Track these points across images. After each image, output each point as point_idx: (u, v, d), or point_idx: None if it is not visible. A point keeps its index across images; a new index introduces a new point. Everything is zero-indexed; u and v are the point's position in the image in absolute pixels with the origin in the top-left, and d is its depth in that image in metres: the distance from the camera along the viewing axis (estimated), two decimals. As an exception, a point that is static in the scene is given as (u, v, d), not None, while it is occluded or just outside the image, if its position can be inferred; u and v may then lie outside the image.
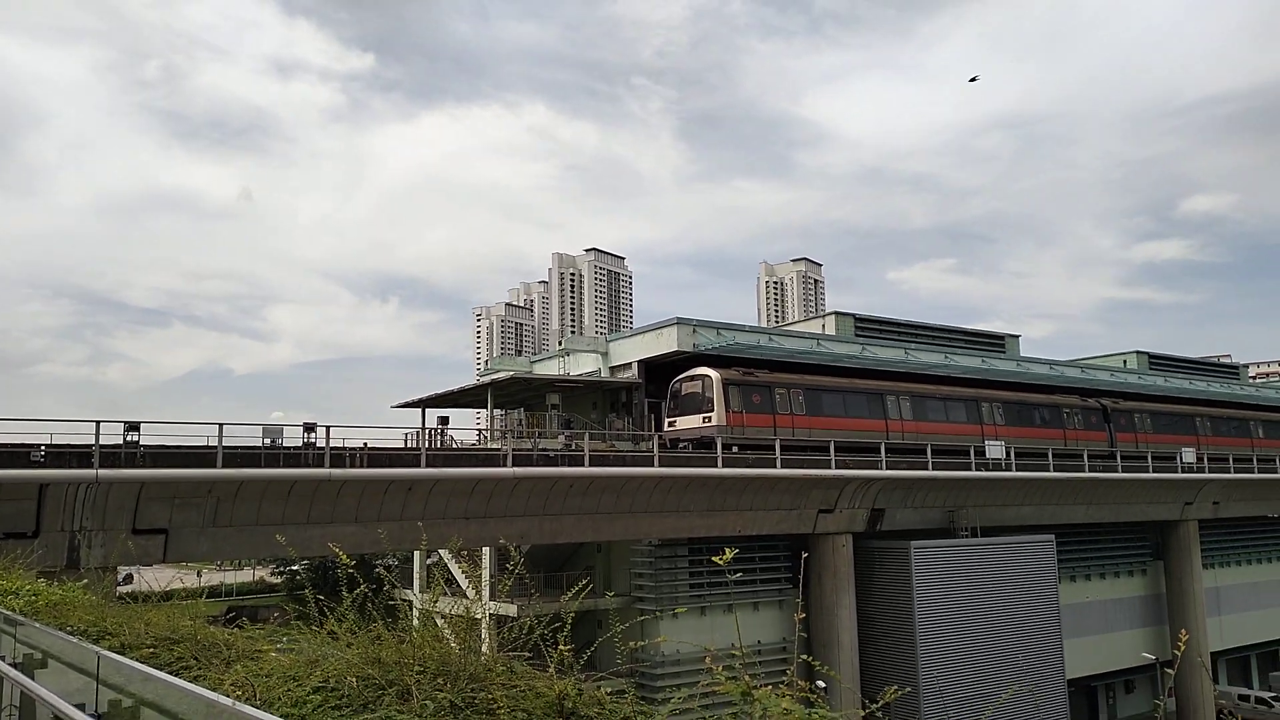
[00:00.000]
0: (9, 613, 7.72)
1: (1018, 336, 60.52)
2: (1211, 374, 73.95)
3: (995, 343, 59.08)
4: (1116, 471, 49.81)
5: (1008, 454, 45.15)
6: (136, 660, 5.23)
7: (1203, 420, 59.45)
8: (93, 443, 25.67)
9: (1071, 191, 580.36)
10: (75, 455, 25.87)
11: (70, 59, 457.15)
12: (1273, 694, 57.06)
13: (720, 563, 4.51)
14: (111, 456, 26.02)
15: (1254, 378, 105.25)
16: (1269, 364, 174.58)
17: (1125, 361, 67.59)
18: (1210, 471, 54.45)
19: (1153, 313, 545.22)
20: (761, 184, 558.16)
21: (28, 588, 10.05)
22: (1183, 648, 5.26)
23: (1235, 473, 55.80)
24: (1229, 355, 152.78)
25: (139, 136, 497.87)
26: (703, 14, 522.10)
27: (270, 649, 5.67)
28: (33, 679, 5.79)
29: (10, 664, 6.29)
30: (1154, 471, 51.26)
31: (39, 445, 25.80)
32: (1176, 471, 52.55)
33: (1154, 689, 54.95)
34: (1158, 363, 68.83)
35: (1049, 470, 46.60)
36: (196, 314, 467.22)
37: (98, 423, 25.94)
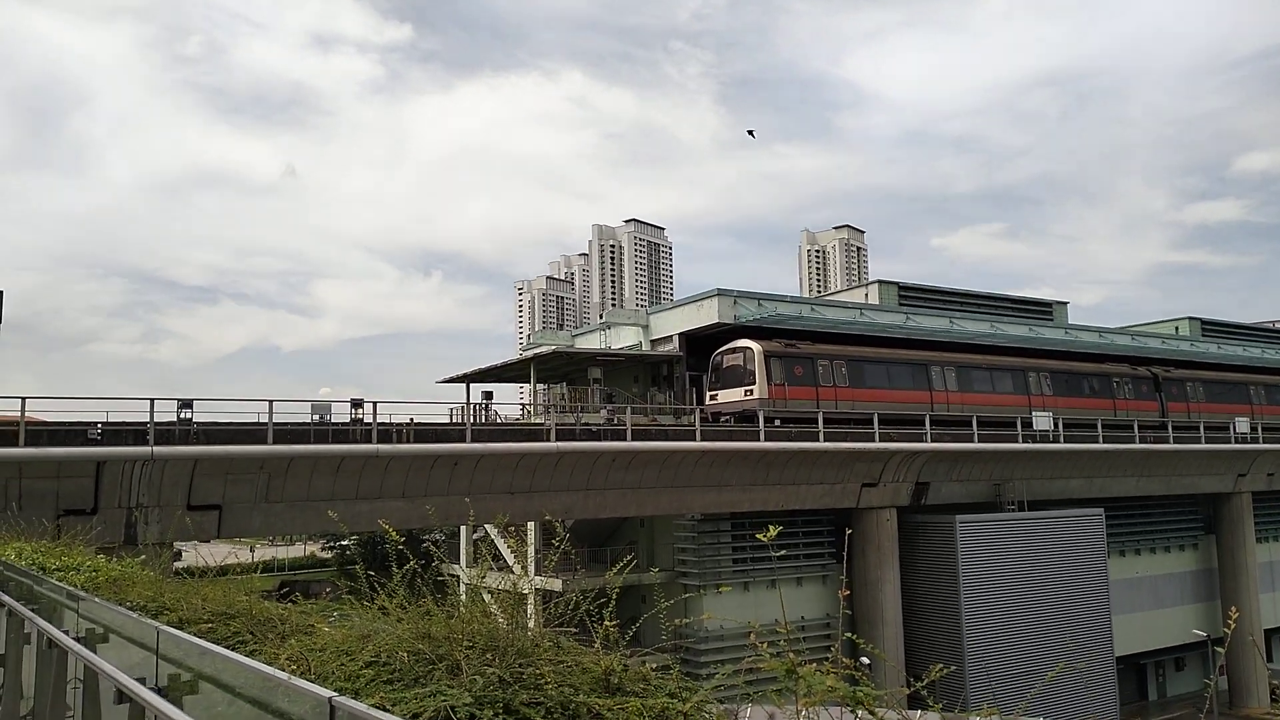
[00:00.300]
0: (71, 588, 7.94)
1: (1066, 304, 59.59)
2: (1267, 340, 72.13)
3: (1043, 310, 58.18)
4: (1168, 442, 48.94)
5: (1056, 425, 44.54)
6: (194, 635, 5.36)
7: (1257, 389, 58.16)
8: (147, 420, 26.29)
9: (1121, 150, 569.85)
10: (131, 433, 26.50)
11: (112, 37, 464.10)
12: (1329, 669, 56.02)
13: (764, 539, 4.52)
14: (166, 434, 26.65)
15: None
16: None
17: (1177, 328, 66.24)
18: (1265, 442, 53.32)
19: (1206, 276, 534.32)
20: (802, 149, 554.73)
21: (88, 564, 10.32)
22: (1232, 625, 5.17)
23: (1291, 443, 54.61)
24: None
25: (182, 113, 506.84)
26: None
27: (323, 624, 5.78)
28: (95, 653, 5.96)
29: (74, 638, 6.48)
30: (1206, 442, 50.31)
31: (95, 423, 26.46)
32: (1230, 442, 51.53)
33: (1205, 667, 54.19)
34: (1211, 329, 67.37)
35: (1098, 442, 45.93)
36: (245, 291, 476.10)
37: (152, 400, 26.61)
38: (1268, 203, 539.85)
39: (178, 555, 34.07)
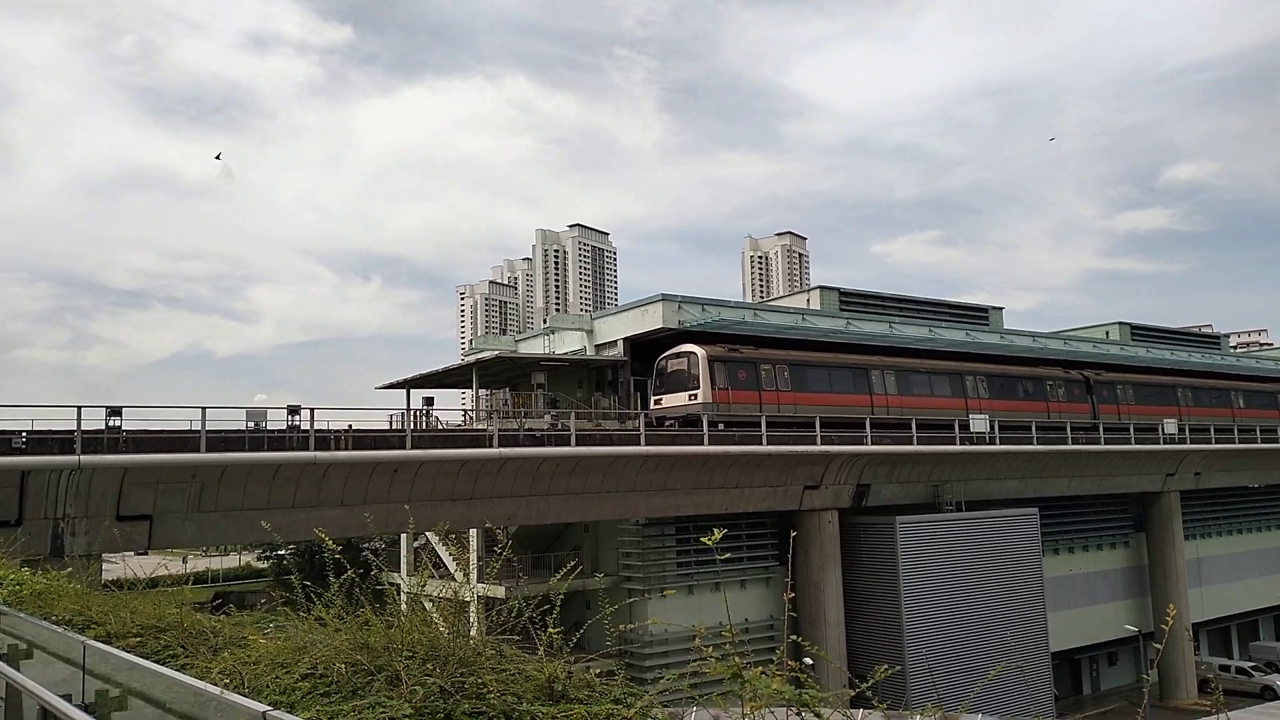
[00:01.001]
0: (-8, 603, 7.66)
1: (1001, 309, 60.77)
2: (1193, 344, 74.49)
3: (979, 316, 59.32)
4: (1099, 443, 50.21)
5: (992, 427, 45.42)
6: (123, 649, 5.20)
7: (1184, 391, 59.95)
8: (75, 428, 25.50)
9: (1055, 160, 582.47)
10: (57, 441, 25.68)
11: (42, 34, 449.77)
12: (1253, 663, 57.95)
13: (709, 543, 4.50)
14: (94, 442, 25.85)
15: (1235, 347, 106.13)
16: (1250, 333, 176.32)
17: (1108, 333, 67.99)
18: (1192, 442, 54.99)
19: (1135, 283, 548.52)
20: (746, 156, 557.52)
21: (11, 577, 9.98)
22: (1170, 623, 5.30)
23: (1216, 443, 56.39)
24: (1210, 325, 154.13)
25: (114, 113, 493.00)
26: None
27: (257, 636, 5.64)
28: (18, 670, 5.75)
29: (-5, 655, 6.24)
30: (1136, 443, 51.71)
31: (20, 432, 25.58)
32: (1158, 443, 53.03)
33: (1137, 660, 55.66)
34: (1140, 334, 69.30)
35: (1033, 443, 46.93)
36: (177, 295, 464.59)
37: (79, 408, 25.76)
38: (1194, 212, 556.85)
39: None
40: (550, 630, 4.92)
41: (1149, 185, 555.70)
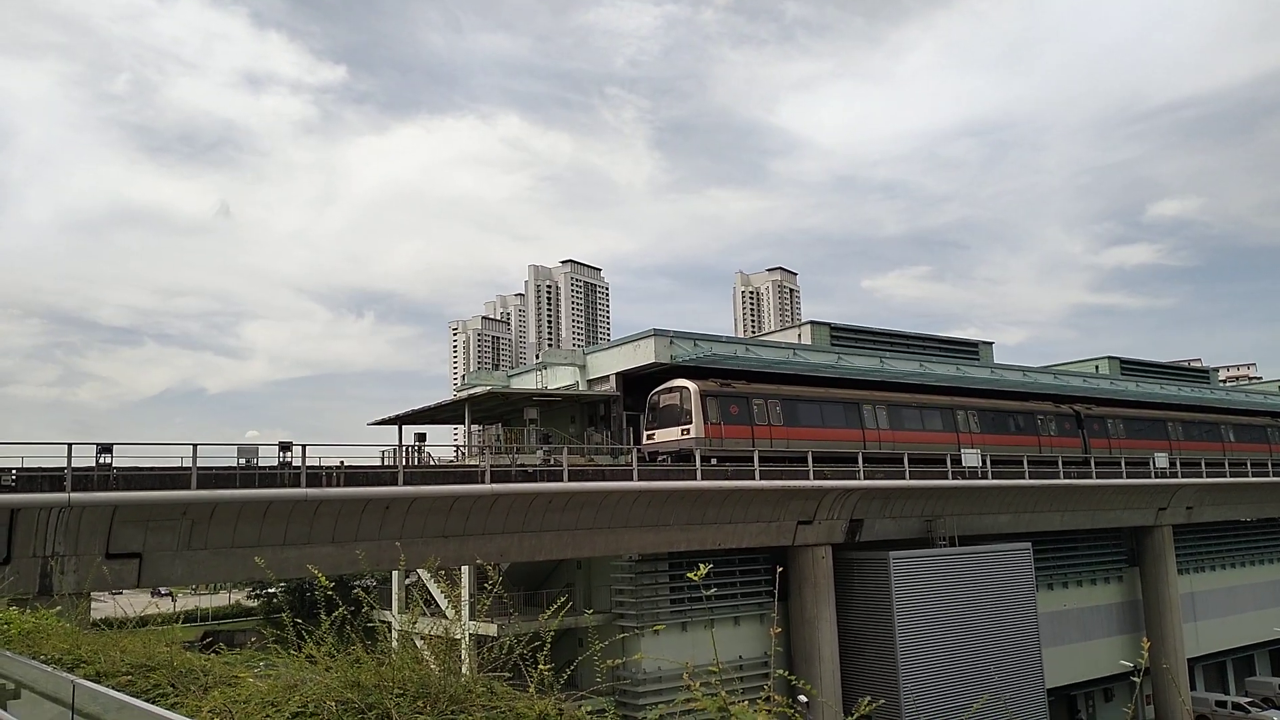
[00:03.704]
0: (-20, 642, 7.62)
1: (991, 344, 61.04)
2: (1182, 379, 74.82)
3: (970, 350, 59.54)
4: (1091, 478, 50.24)
5: (984, 462, 45.45)
6: (112, 688, 5.19)
7: (1174, 425, 60.10)
8: (65, 466, 25.40)
9: (1040, 197, 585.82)
10: (47, 479, 25.56)
11: (35, 73, 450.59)
12: (1249, 699, 57.63)
13: (695, 579, 4.54)
14: (84, 479, 25.75)
15: (1224, 381, 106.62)
16: (1238, 367, 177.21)
17: (1097, 367, 68.25)
18: (1183, 476, 55.05)
19: (1123, 318, 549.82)
20: (735, 193, 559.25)
21: (-1, 616, 9.92)
22: (1145, 657, 5.33)
23: (1207, 477, 56.46)
24: (1199, 359, 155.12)
25: (107, 151, 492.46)
26: (675, 22, 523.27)
27: (247, 674, 5.64)
28: (6, 710, 5.73)
29: (-17, 695, 6.21)
30: (1128, 477, 51.76)
31: (10, 469, 25.51)
32: (1150, 477, 53.07)
33: (1132, 697, 55.33)
34: (1129, 368, 69.60)
35: (1025, 477, 46.95)
36: (169, 332, 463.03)
37: (69, 445, 25.73)
38: (1180, 248, 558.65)
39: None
40: (541, 667, 4.93)
41: (1134, 221, 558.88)
